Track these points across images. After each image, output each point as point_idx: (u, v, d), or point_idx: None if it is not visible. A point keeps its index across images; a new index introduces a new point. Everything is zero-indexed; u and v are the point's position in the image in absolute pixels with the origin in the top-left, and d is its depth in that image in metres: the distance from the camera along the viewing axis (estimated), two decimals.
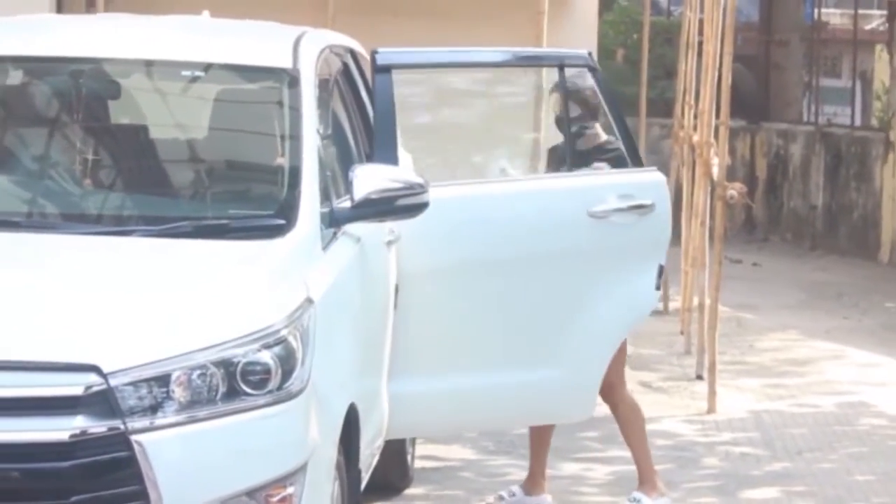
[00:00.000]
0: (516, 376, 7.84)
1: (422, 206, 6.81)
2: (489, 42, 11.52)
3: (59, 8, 11.39)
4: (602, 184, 8.16)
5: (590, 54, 8.33)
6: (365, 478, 7.09)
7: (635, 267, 8.07)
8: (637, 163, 8.33)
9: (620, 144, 8.25)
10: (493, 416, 8.17)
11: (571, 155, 8.32)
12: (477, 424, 8.67)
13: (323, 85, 7.15)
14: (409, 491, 8.83)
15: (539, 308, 7.90)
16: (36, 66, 7.28)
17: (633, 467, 8.65)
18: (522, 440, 10.03)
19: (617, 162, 8.34)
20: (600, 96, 8.35)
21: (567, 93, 8.30)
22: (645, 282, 8.07)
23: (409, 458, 8.90)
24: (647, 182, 8.20)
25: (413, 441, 9.04)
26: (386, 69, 7.62)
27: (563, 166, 8.27)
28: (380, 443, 7.55)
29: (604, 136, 8.58)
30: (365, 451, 6.88)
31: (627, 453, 9.78)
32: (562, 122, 8.35)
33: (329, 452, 6.03)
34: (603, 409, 8.71)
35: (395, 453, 8.51)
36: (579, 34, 12.11)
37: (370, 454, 7.26)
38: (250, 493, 5.60)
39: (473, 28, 11.60)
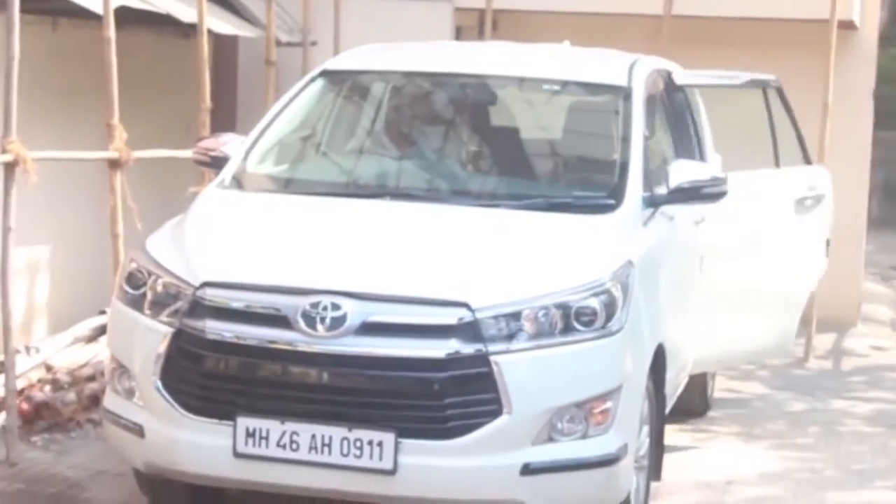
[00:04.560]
0: (753, 322, 8.12)
1: (721, 195, 6.82)
2: (793, 69, 11.45)
3: (458, 36, 11.67)
4: (802, 177, 8.45)
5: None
6: (671, 402, 7.13)
7: (816, 242, 8.40)
8: (808, 162, 8.67)
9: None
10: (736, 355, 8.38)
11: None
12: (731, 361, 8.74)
13: (650, 99, 7.19)
14: (708, 414, 8.87)
15: (768, 273, 8.16)
16: (437, 79, 7.43)
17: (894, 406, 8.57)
18: (803, 381, 10.03)
19: None
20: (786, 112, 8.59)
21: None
22: (821, 253, 8.40)
23: (709, 390, 8.94)
24: (822, 176, 8.54)
25: (713, 376, 9.11)
26: (679, 88, 7.92)
27: None
28: (683, 376, 7.58)
29: None
30: (671, 381, 6.89)
31: (888, 394, 9.68)
32: None
33: (640, 379, 6.05)
34: (878, 359, 8.48)
35: (699, 385, 8.58)
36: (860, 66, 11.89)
37: (676, 384, 7.28)
38: (578, 405, 5.65)
39: (776, 59, 11.53)
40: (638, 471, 6.21)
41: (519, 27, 11.14)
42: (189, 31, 9.32)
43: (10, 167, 7.16)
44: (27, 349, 8.11)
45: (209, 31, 9.26)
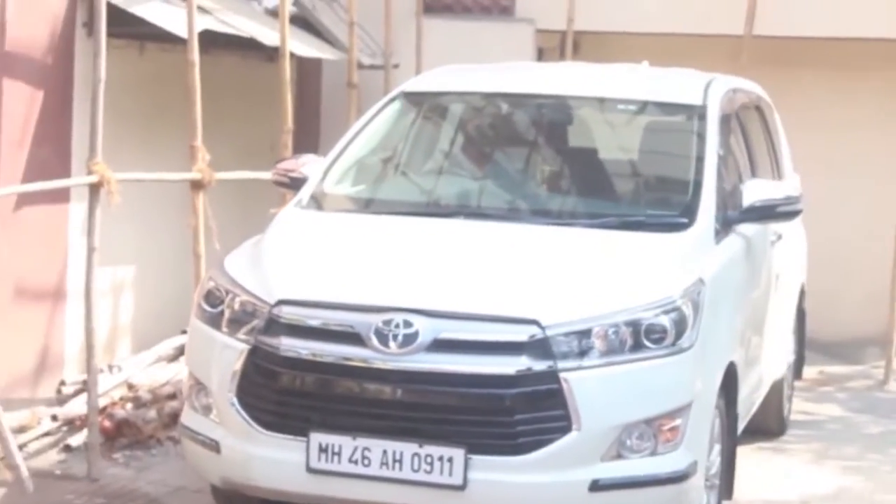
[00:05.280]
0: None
1: (795, 213, 6.83)
2: (876, 90, 11.39)
3: (540, 57, 11.69)
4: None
5: None
6: (744, 421, 7.09)
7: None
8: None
9: None
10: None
11: None
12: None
13: (725, 118, 7.17)
14: (785, 434, 8.80)
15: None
16: (513, 99, 7.46)
17: None
18: (882, 403, 9.91)
19: None
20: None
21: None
22: None
23: (785, 410, 8.86)
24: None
25: (790, 397, 9.04)
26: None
27: None
28: (757, 395, 7.52)
29: None
30: (744, 400, 6.84)
31: None
32: None
33: (710, 397, 6.02)
34: None
35: (775, 405, 8.52)
36: None
37: (749, 403, 7.23)
38: (647, 422, 5.65)
39: (857, 79, 11.48)
40: (709, 489, 6.20)
41: (600, 48, 11.15)
42: (273, 54, 9.44)
43: (94, 188, 7.30)
44: (109, 368, 8.25)
45: (292, 55, 9.38)
